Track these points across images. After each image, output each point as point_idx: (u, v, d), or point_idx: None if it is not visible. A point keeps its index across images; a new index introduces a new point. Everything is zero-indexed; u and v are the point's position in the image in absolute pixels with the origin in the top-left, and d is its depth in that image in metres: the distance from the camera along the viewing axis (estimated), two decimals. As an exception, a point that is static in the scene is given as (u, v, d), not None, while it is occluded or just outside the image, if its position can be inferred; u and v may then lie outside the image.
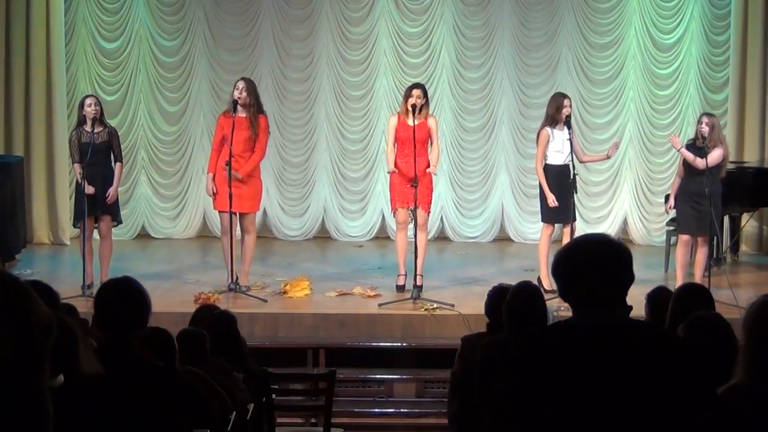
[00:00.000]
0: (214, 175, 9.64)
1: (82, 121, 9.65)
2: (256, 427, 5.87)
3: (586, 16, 12.79)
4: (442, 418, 7.29)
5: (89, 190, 9.44)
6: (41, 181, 12.36)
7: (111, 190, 9.58)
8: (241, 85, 9.64)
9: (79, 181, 9.56)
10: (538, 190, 9.90)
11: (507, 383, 3.29)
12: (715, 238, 10.35)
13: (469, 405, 5.43)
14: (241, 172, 9.54)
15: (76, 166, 9.69)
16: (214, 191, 9.61)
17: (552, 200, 9.54)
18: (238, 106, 9.59)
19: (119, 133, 10.20)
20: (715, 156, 9.42)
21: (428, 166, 9.69)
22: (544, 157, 9.70)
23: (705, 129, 9.43)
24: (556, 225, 9.87)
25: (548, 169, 9.70)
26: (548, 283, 9.10)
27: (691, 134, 10.35)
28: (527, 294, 5.40)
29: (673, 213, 10.10)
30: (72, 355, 3.67)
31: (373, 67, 12.90)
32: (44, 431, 2.92)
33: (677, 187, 9.68)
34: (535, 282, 7.53)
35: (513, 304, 5.33)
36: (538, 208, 9.96)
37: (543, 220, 9.89)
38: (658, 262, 11.04)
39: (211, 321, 6.12)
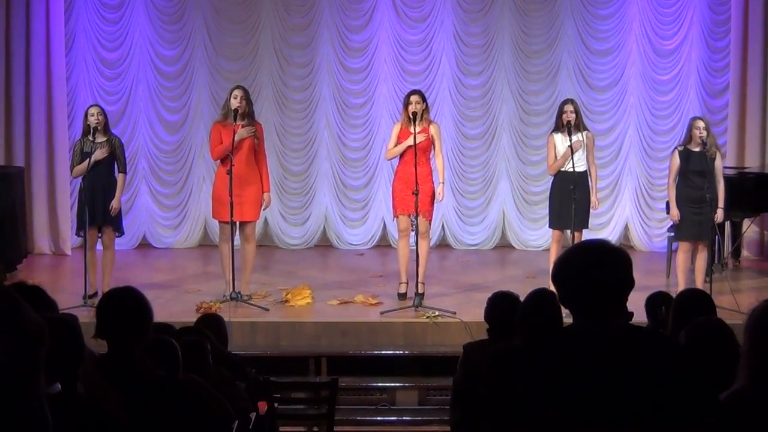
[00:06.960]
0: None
1: (86, 130, 9.62)
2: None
3: (587, 22, 12.80)
4: (444, 425, 7.29)
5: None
6: (42, 191, 12.34)
7: (114, 202, 9.53)
8: (239, 93, 9.60)
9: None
10: (540, 197, 9.90)
11: (514, 390, 3.29)
12: (716, 243, 10.33)
13: (471, 412, 5.40)
14: (266, 199, 9.72)
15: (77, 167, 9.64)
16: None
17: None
18: (238, 115, 9.57)
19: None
20: (720, 164, 9.54)
21: (430, 173, 9.69)
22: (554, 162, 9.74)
23: (704, 133, 9.43)
24: (565, 231, 9.83)
25: (556, 174, 9.73)
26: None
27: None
28: (541, 300, 5.33)
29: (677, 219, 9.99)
30: (74, 367, 3.67)
31: (373, 74, 12.90)
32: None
33: (675, 192, 9.66)
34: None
35: (527, 310, 5.25)
36: (540, 215, 9.95)
37: (549, 226, 9.97)
38: (660, 267, 11.03)
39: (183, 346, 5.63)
